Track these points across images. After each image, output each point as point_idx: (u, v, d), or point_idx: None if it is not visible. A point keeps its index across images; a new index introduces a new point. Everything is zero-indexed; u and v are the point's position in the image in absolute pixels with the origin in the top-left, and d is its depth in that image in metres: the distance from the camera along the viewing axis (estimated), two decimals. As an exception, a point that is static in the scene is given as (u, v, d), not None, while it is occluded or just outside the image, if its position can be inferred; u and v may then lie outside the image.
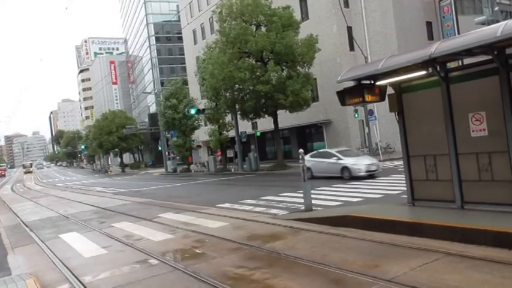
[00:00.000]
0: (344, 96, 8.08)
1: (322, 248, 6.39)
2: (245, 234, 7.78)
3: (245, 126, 31.66)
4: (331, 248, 6.36)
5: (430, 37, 28.94)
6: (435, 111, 7.37)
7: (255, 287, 4.92)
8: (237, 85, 25.83)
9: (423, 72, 7.11)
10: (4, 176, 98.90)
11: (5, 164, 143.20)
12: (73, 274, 6.27)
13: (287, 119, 29.43)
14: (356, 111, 26.41)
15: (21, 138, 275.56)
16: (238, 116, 29.11)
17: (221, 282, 5.12)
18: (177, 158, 43.92)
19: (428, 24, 29.48)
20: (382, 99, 8.07)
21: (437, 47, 6.33)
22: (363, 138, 28.76)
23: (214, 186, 21.07)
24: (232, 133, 32.35)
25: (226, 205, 12.29)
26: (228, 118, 32.68)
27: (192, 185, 23.01)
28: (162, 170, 44.25)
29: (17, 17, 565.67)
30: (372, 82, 7.79)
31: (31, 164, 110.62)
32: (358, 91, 7.86)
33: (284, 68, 25.05)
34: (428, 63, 6.72)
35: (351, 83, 7.98)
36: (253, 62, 25.61)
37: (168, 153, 43.08)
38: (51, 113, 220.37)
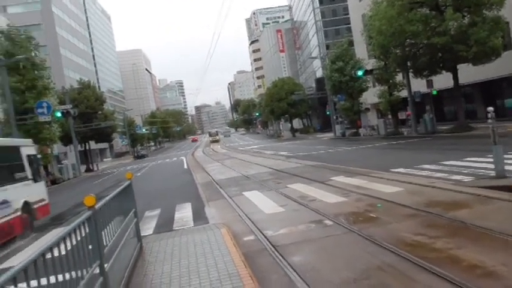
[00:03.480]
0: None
1: (521, 220, 5.52)
2: (423, 201, 7.28)
3: (418, 85, 29.03)
4: (532, 221, 5.44)
5: None
6: None
7: (437, 256, 4.57)
8: (408, 40, 23.72)
9: None
10: (197, 141, 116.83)
11: (200, 131, 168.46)
12: (256, 227, 7.01)
13: (469, 73, 25.73)
14: None
15: (207, 108, 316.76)
16: (411, 74, 26.91)
17: (398, 248, 4.94)
18: (345, 122, 43.67)
19: None
20: None
21: None
22: None
23: (385, 150, 20.26)
24: (403, 93, 30.20)
25: (401, 170, 11.66)
26: (399, 77, 30.55)
27: (361, 149, 22.63)
28: (331, 134, 44.70)
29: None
30: None
31: (217, 131, 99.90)
32: None
33: (465, 14, 21.78)
34: None
35: None
36: (427, 11, 22.98)
37: (336, 117, 43.16)
38: (229, 84, 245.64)
